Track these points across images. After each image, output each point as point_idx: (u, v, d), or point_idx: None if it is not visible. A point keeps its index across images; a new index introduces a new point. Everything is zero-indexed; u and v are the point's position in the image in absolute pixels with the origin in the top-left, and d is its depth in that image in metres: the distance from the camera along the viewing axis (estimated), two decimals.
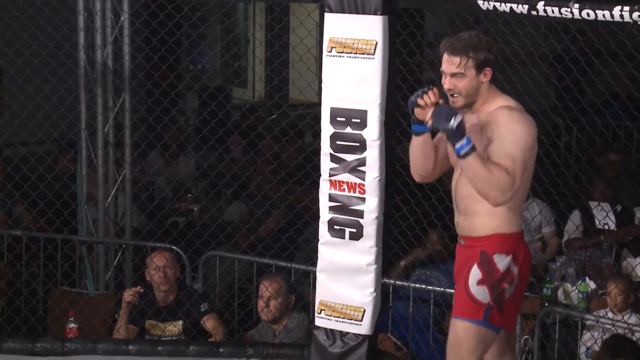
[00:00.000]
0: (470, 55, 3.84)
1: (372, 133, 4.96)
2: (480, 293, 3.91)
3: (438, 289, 5.52)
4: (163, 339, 5.63)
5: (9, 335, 5.69)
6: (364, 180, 5.01)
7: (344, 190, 5.06)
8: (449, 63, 3.88)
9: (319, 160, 5.15)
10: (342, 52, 4.98)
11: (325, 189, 5.11)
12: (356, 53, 4.95)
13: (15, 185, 6.58)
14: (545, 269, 6.20)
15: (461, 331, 3.95)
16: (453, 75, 3.88)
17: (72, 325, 5.59)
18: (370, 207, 5.02)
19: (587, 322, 5.34)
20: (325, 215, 5.13)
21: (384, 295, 5.27)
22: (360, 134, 4.98)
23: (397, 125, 5.46)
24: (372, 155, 4.98)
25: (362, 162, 5.00)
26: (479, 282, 3.91)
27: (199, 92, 10.23)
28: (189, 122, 9.26)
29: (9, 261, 6.26)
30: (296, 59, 6.51)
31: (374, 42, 4.91)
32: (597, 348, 5.23)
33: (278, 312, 5.54)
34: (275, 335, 5.59)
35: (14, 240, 6.34)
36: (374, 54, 4.91)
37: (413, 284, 5.59)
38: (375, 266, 5.08)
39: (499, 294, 3.90)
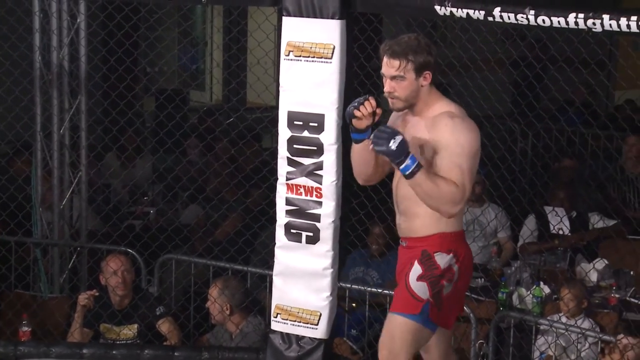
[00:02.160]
0: (409, 58, 3.84)
1: (329, 137, 4.97)
2: (420, 288, 3.92)
3: (373, 289, 5.55)
4: (118, 342, 5.59)
5: None
6: (321, 184, 5.01)
7: (300, 194, 5.06)
8: (389, 66, 3.87)
9: (276, 164, 5.15)
10: (300, 56, 4.98)
11: (282, 193, 5.11)
12: (314, 57, 4.96)
13: None
14: (500, 274, 6.25)
15: (396, 325, 3.95)
16: (393, 78, 3.88)
17: (25, 328, 5.54)
18: (327, 211, 5.02)
19: (541, 327, 5.38)
20: (281, 218, 5.13)
21: (340, 299, 5.28)
22: (318, 138, 4.98)
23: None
24: (330, 159, 4.98)
25: (319, 166, 5.00)
26: (419, 278, 3.92)
27: (155, 95, 10.19)
28: (145, 124, 9.21)
29: None
30: (254, 62, 6.50)
31: (332, 46, 4.91)
32: (550, 353, 5.28)
33: (221, 315, 5.54)
34: (232, 339, 5.57)
35: None
36: (331, 58, 4.92)
37: (349, 285, 5.60)
38: (331, 270, 5.08)
39: (437, 290, 3.91)
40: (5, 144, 6.93)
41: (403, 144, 3.74)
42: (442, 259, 3.92)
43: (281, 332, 5.20)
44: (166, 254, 6.07)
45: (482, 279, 6.17)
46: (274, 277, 5.22)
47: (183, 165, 6.80)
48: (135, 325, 5.64)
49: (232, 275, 5.79)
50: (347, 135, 5.04)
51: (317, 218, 5.04)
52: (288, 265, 5.14)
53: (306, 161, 5.03)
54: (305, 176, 5.03)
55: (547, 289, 5.85)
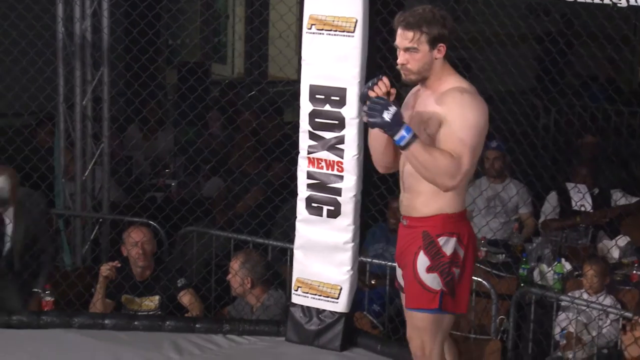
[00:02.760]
0: (423, 30, 3.78)
1: (351, 111, 4.96)
2: (432, 280, 3.87)
3: (394, 264, 5.53)
4: (139, 313, 5.62)
5: None
6: (342, 158, 5.01)
7: (322, 167, 5.06)
8: (403, 37, 3.81)
9: (297, 137, 5.15)
10: (322, 30, 4.97)
11: (303, 167, 5.11)
12: (336, 30, 4.94)
13: None
14: (522, 250, 6.23)
15: (419, 322, 3.94)
16: (406, 49, 3.82)
17: (48, 298, 5.58)
18: (349, 185, 5.03)
19: (562, 303, 5.37)
20: (303, 192, 5.13)
21: (360, 274, 5.29)
22: (339, 112, 4.98)
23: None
24: (351, 133, 4.98)
25: (341, 140, 5.00)
26: (429, 270, 3.87)
27: (178, 67, 10.19)
28: (167, 97, 9.22)
29: None
30: (276, 35, 6.49)
31: (354, 20, 4.90)
32: (571, 329, 5.27)
33: (241, 288, 5.55)
34: (252, 312, 5.59)
35: None
36: (353, 31, 4.90)
37: (370, 259, 5.60)
38: (352, 244, 5.09)
39: (450, 279, 3.87)
40: (29, 115, 6.95)
41: (397, 115, 3.67)
42: (447, 245, 3.85)
43: (302, 306, 5.22)
44: (187, 227, 6.09)
45: (504, 255, 6.16)
46: (294, 251, 5.23)
47: (205, 138, 6.80)
48: (157, 297, 5.67)
49: (253, 248, 5.80)
50: None
51: (338, 192, 5.04)
52: (309, 238, 5.15)
53: (328, 135, 5.03)
54: (327, 150, 5.03)
55: (568, 266, 5.84)
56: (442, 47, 3.82)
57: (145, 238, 5.68)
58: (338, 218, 5.07)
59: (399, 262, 4.06)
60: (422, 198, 3.88)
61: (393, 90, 3.83)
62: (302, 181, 5.13)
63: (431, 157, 3.70)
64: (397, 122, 3.67)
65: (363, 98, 3.84)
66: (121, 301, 5.71)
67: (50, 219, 6.16)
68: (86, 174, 6.25)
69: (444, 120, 3.76)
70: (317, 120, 5.03)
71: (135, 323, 5.41)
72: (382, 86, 3.80)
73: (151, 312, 5.65)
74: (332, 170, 5.04)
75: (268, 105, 7.09)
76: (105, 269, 5.66)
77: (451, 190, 3.79)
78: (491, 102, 6.01)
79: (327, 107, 5.01)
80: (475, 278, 5.30)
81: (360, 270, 5.36)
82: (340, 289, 5.12)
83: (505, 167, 6.76)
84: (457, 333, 5.29)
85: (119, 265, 5.66)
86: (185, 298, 5.66)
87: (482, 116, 3.78)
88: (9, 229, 5.62)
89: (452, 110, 3.76)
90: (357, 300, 5.30)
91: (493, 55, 6.13)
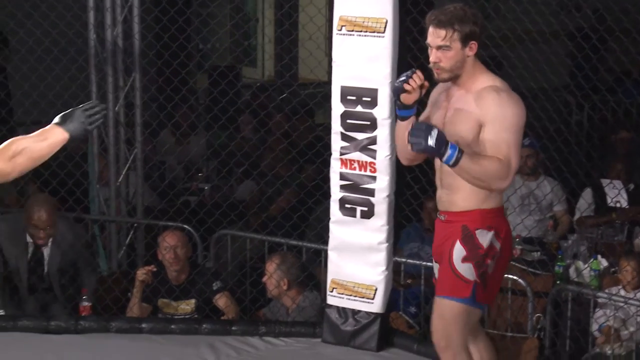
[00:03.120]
0: (455, 28, 3.79)
1: (382, 111, 4.96)
2: (467, 270, 3.89)
3: (429, 263, 5.53)
4: (176, 317, 5.65)
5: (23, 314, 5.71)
6: (374, 158, 5.01)
7: (354, 168, 5.06)
8: (435, 36, 3.82)
9: (329, 139, 5.15)
10: (352, 31, 4.97)
11: (336, 168, 5.11)
12: (366, 31, 4.94)
13: None
14: (557, 247, 6.20)
15: (448, 311, 3.94)
16: (438, 48, 3.82)
17: (85, 303, 5.62)
18: (382, 185, 5.02)
19: (599, 300, 5.33)
20: (336, 193, 5.13)
21: (395, 274, 5.28)
22: (371, 113, 4.98)
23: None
24: (383, 134, 4.98)
25: (373, 141, 5.00)
26: (464, 260, 3.89)
27: (209, 71, 10.23)
28: (199, 101, 9.25)
29: None
30: (306, 37, 6.50)
31: (384, 20, 4.89)
32: (609, 324, 5.24)
33: (281, 289, 5.55)
34: (288, 314, 5.60)
35: None
36: (384, 32, 4.90)
37: (404, 259, 5.59)
38: (386, 244, 5.09)
39: (483, 270, 3.89)
40: None
41: (441, 136, 3.68)
42: (483, 238, 3.89)
43: (337, 307, 5.22)
44: (221, 230, 6.11)
45: (539, 253, 6.12)
46: (329, 252, 5.23)
47: (237, 141, 6.83)
48: (193, 300, 5.69)
49: (288, 250, 5.81)
50: None
51: (371, 193, 5.04)
52: (343, 239, 5.15)
53: (360, 136, 5.03)
54: (359, 151, 5.03)
55: (604, 262, 5.80)
56: (473, 45, 3.83)
57: (179, 242, 5.70)
58: (372, 219, 5.06)
59: (436, 257, 4.08)
60: (461, 194, 3.90)
61: (426, 84, 3.85)
62: (335, 182, 5.13)
63: (480, 167, 3.74)
64: (441, 143, 3.69)
65: (396, 92, 3.86)
66: (157, 305, 5.73)
67: (85, 225, 6.18)
68: (120, 179, 6.28)
69: (484, 121, 3.79)
70: (348, 121, 5.04)
71: (172, 327, 5.43)
72: (417, 79, 3.83)
73: (187, 316, 5.67)
74: (365, 171, 5.04)
75: (299, 108, 7.09)
76: (141, 274, 5.68)
77: (504, 190, 3.87)
78: (524, 99, 6.00)
79: (359, 108, 5.01)
80: (511, 276, 5.29)
81: (395, 270, 5.36)
82: (376, 289, 5.12)
83: (538, 165, 6.72)
84: (493, 331, 5.27)
85: (155, 269, 5.69)
86: (221, 301, 5.68)
87: (520, 113, 3.82)
88: (46, 253, 5.73)
89: (491, 111, 3.79)
90: (392, 300, 5.29)
91: (525, 52, 6.10)
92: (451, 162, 3.71)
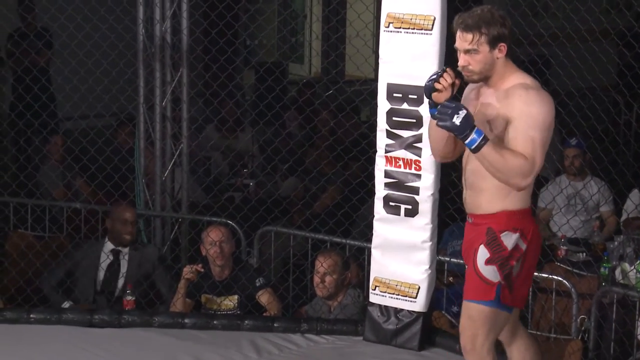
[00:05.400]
0: (482, 31, 3.77)
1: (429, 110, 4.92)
2: (490, 272, 3.86)
3: None
4: (219, 312, 5.67)
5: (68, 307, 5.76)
6: (420, 156, 4.99)
7: (399, 166, 5.05)
8: (462, 40, 3.81)
9: (374, 137, 5.14)
10: (400, 28, 4.95)
11: (380, 165, 5.10)
12: (414, 29, 4.92)
13: (74, 159, 6.65)
14: (603, 248, 6.14)
15: (475, 314, 3.91)
16: (467, 51, 3.81)
17: (129, 297, 5.66)
18: (426, 184, 5.00)
19: None
20: (380, 191, 5.12)
21: (438, 272, 5.26)
22: (417, 110, 4.96)
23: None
24: None
25: (419, 139, 4.98)
26: (487, 262, 3.86)
27: (255, 68, 10.26)
28: (245, 97, 9.28)
29: (68, 233, 6.34)
30: (353, 34, 6.49)
31: (432, 18, 4.87)
32: None
33: (333, 288, 5.54)
34: (330, 311, 5.60)
35: (73, 213, 6.42)
36: (431, 29, 4.88)
37: (447, 258, 5.57)
38: (430, 243, 5.07)
39: (508, 272, 3.85)
40: (110, 116, 7.06)
41: (468, 118, 3.66)
42: (508, 239, 3.85)
43: (379, 305, 5.21)
44: (265, 226, 6.12)
45: (584, 254, 6.07)
46: (372, 250, 5.22)
47: (282, 137, 6.83)
48: (236, 296, 5.70)
49: (331, 247, 5.80)
50: None
51: (416, 191, 5.02)
52: (387, 237, 5.14)
53: (405, 134, 5.01)
54: (405, 149, 5.02)
55: None
56: (502, 47, 3.80)
57: (223, 237, 5.72)
58: (416, 217, 5.05)
59: (465, 259, 4.06)
60: (486, 195, 3.88)
61: (457, 82, 3.83)
62: (379, 180, 5.12)
63: (503, 158, 3.69)
64: (467, 125, 3.66)
65: (428, 91, 3.85)
66: (200, 300, 5.76)
67: (165, 260, 6.21)
68: (166, 174, 6.32)
69: (510, 118, 3.75)
70: (394, 119, 5.02)
71: (215, 322, 5.45)
72: (448, 77, 3.81)
73: (230, 312, 5.69)
74: (410, 169, 5.03)
75: (345, 105, 7.09)
76: (188, 272, 5.69)
77: (524, 189, 3.80)
78: (572, 98, 5.96)
79: (405, 106, 4.99)
80: (556, 277, 5.24)
81: (439, 269, 5.33)
82: (419, 288, 5.10)
83: (585, 165, 6.66)
84: (537, 333, 5.23)
85: (202, 270, 5.69)
86: (264, 297, 5.68)
87: (548, 111, 3.76)
88: (124, 266, 5.85)
89: (518, 108, 3.75)
90: (435, 299, 5.27)
91: (574, 51, 6.04)
92: (473, 147, 3.68)
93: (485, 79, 3.86)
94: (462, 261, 5.49)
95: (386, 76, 5.04)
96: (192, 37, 6.28)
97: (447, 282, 5.66)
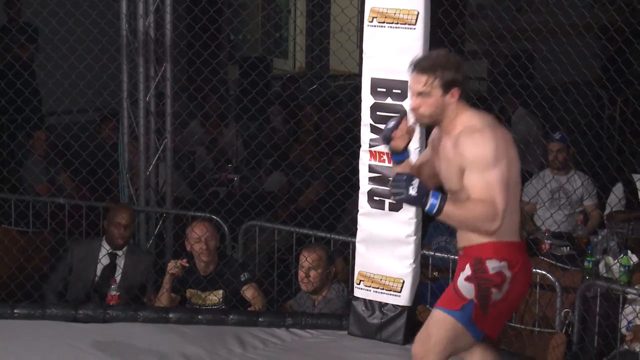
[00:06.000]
0: (437, 75, 3.76)
1: None
2: (466, 288, 3.81)
3: (457, 257, 5.51)
4: (203, 307, 5.66)
5: (51, 302, 5.75)
6: None
7: (384, 161, 5.05)
8: (416, 82, 3.80)
9: (358, 131, 5.14)
10: (384, 22, 4.96)
11: (365, 160, 5.10)
12: (397, 23, 4.93)
13: (58, 154, 6.63)
14: (587, 242, 6.16)
15: (434, 321, 3.85)
16: (419, 94, 3.80)
17: (113, 292, 5.65)
18: None
19: (629, 296, 5.29)
20: (365, 186, 5.13)
21: (423, 267, 5.27)
22: (401, 105, 4.96)
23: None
24: None
25: None
26: (467, 279, 3.83)
27: (239, 62, 10.24)
28: (229, 92, 9.27)
29: (52, 229, 6.33)
30: (337, 29, 6.49)
31: (416, 12, 4.87)
32: (638, 322, 5.19)
33: (318, 283, 5.55)
34: (315, 306, 5.60)
35: (56, 208, 6.40)
36: (415, 24, 4.88)
37: (432, 252, 5.58)
38: (414, 237, 5.08)
39: (485, 294, 3.79)
40: (93, 111, 7.05)
41: (421, 187, 3.66)
42: (493, 265, 3.80)
43: (364, 299, 5.22)
44: (250, 221, 6.12)
45: (568, 248, 6.09)
46: (357, 244, 5.23)
47: (266, 132, 6.83)
48: (221, 291, 5.70)
49: (316, 241, 5.81)
50: None
51: None
52: (371, 232, 5.14)
53: None
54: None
55: (635, 258, 5.75)
56: (455, 92, 3.79)
57: (208, 233, 5.71)
58: (400, 211, 5.05)
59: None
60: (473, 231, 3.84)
61: (412, 128, 3.87)
62: (363, 175, 5.12)
63: (465, 211, 3.70)
64: (422, 193, 3.66)
65: (386, 139, 3.88)
66: (185, 295, 5.75)
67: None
68: (150, 169, 6.30)
69: (463, 166, 3.74)
70: (378, 113, 5.02)
71: (199, 317, 5.45)
72: (403, 127, 3.85)
73: (215, 307, 5.68)
74: None
75: (329, 99, 7.09)
76: (172, 266, 5.68)
77: (496, 232, 3.74)
78: (555, 93, 5.97)
79: (389, 100, 5.00)
80: (540, 271, 5.25)
81: (423, 264, 5.34)
82: (403, 282, 5.11)
83: (569, 159, 6.68)
84: (520, 326, 5.24)
85: (187, 265, 5.68)
86: (248, 292, 5.68)
87: (496, 148, 3.72)
88: (118, 270, 5.88)
89: (466, 155, 3.73)
90: (420, 293, 5.28)
91: (557, 46, 6.05)
92: (434, 211, 3.67)
93: (436, 122, 3.86)
94: (446, 255, 5.55)
95: (370, 71, 5.04)
96: (175, 31, 6.27)
97: (432, 277, 5.67)
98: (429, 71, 3.77)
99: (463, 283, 3.83)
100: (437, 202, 3.66)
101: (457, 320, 3.81)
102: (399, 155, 3.95)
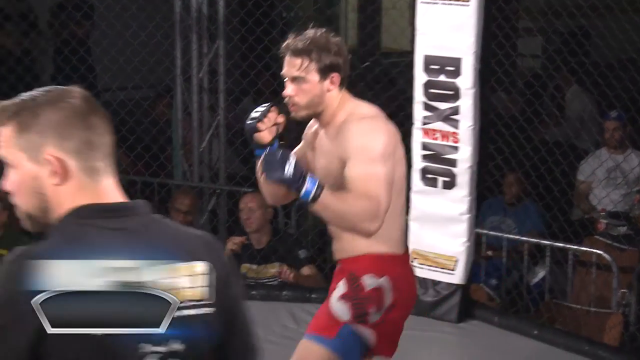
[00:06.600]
0: (312, 57, 3.23)
1: (466, 81, 4.91)
2: (340, 309, 3.25)
3: (510, 236, 5.49)
4: (259, 282, 5.67)
5: None
6: (457, 129, 4.97)
7: (437, 138, 5.03)
8: (290, 65, 3.26)
9: (411, 109, 5.12)
10: None
11: (418, 138, 5.09)
12: (451, 0, 4.88)
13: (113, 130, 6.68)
14: None
15: (304, 353, 3.25)
16: (294, 79, 3.25)
17: None
18: (464, 156, 4.98)
19: None
20: (418, 163, 5.11)
21: (477, 245, 5.25)
22: (454, 82, 4.93)
23: (492, 73, 5.39)
24: (466, 104, 4.93)
25: (456, 111, 4.95)
26: (341, 297, 3.26)
27: None
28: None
29: None
30: (390, 6, 6.45)
31: None
32: None
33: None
34: None
35: None
36: (469, 0, 4.84)
37: (486, 231, 5.55)
38: (468, 215, 5.06)
39: (362, 315, 3.24)
40: (148, 87, 7.09)
41: (298, 168, 3.06)
42: (370, 282, 3.25)
43: (418, 277, 5.20)
44: None
45: (625, 227, 6.01)
46: (410, 222, 5.21)
47: None
48: (277, 264, 5.70)
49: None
50: (483, 80, 4.98)
51: (453, 163, 5.00)
52: (424, 210, 5.13)
53: (442, 105, 4.99)
54: (442, 121, 5.00)
55: None
56: (335, 77, 3.25)
57: (253, 203, 5.70)
58: (453, 189, 5.03)
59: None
60: (347, 240, 3.31)
61: (281, 120, 3.33)
62: (416, 152, 5.10)
63: (345, 204, 3.10)
64: (298, 175, 3.05)
65: (250, 132, 3.33)
66: (241, 270, 5.77)
67: (169, 190, 6.25)
68: (203, 145, 6.34)
69: (345, 157, 3.18)
70: (431, 91, 5.00)
71: (253, 292, 5.47)
72: (272, 117, 3.31)
73: (271, 280, 5.68)
74: (447, 141, 5.00)
75: (382, 76, 7.06)
76: (232, 243, 5.69)
77: (374, 233, 3.18)
78: (612, 70, 5.89)
79: (442, 78, 4.97)
80: (596, 250, 5.20)
81: (477, 242, 5.32)
82: (457, 260, 5.09)
83: (626, 137, 6.59)
84: (576, 306, 5.21)
85: (246, 242, 5.69)
86: (307, 271, 5.68)
87: (387, 140, 3.19)
88: None
89: (352, 143, 3.17)
90: (473, 272, 5.26)
91: (613, 22, 5.97)
92: (310, 197, 3.05)
93: (314, 115, 3.32)
94: (500, 234, 5.51)
95: (423, 48, 5.02)
96: (228, 8, 6.28)
97: (485, 256, 5.65)
98: (304, 53, 3.23)
99: (337, 303, 3.27)
100: (314, 189, 3.06)
101: (330, 350, 3.22)
102: (263, 150, 3.27)
